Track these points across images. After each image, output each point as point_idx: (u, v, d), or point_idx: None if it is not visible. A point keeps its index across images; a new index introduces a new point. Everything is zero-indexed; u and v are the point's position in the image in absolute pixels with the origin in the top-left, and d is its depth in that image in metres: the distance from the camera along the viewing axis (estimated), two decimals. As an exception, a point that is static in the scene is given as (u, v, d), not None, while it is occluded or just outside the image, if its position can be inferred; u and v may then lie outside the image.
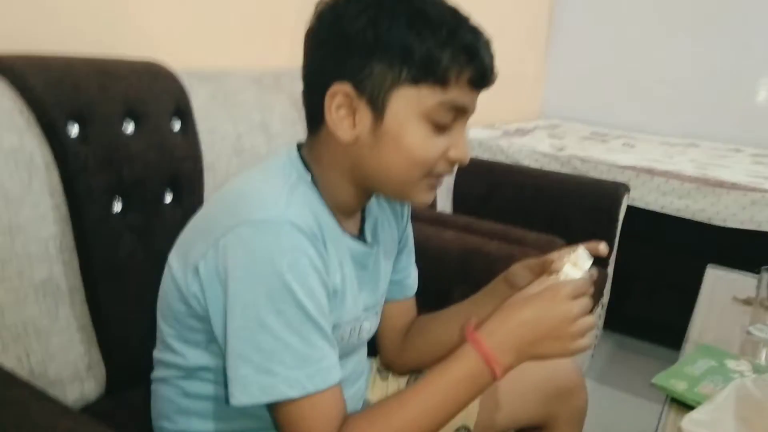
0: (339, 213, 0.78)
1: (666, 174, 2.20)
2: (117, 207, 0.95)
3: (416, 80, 0.68)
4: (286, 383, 0.65)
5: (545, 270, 0.81)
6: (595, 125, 3.31)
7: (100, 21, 1.16)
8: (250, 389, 0.65)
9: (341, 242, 0.78)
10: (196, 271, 0.69)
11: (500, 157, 2.44)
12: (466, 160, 0.74)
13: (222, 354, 0.69)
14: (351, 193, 0.78)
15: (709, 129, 3.12)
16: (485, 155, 2.46)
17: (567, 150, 2.46)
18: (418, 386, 0.72)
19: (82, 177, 0.89)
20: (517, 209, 2.04)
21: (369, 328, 0.87)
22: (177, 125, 1.07)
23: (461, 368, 0.71)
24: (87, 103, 0.92)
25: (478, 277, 1.23)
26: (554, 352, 0.73)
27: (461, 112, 0.72)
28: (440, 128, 0.71)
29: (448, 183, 2.16)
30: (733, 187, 2.09)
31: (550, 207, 1.99)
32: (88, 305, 0.92)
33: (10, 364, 0.83)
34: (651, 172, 2.22)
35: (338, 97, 0.70)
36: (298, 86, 0.77)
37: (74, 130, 0.89)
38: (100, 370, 0.95)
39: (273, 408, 0.68)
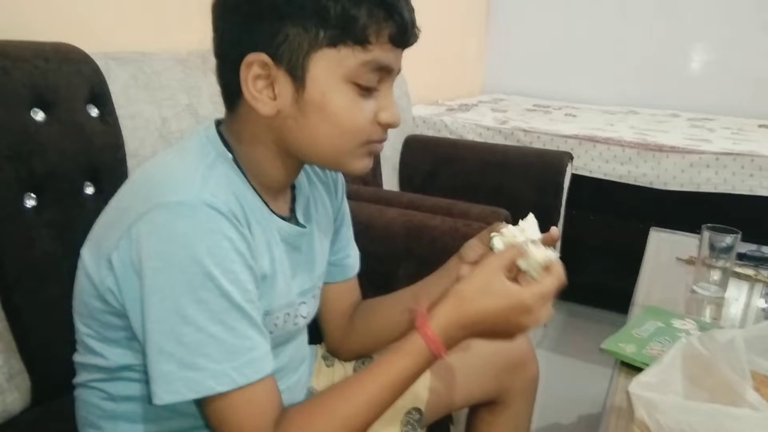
0: (266, 193, 0.74)
1: (607, 141, 2.22)
2: (30, 202, 0.87)
3: (334, 42, 0.64)
4: (213, 378, 0.60)
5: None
6: (537, 98, 3.34)
7: (5, 3, 1.06)
8: (175, 386, 0.61)
9: (269, 223, 0.73)
10: (110, 263, 0.64)
11: (444, 133, 2.42)
12: (397, 122, 0.71)
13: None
14: (278, 169, 0.73)
15: (648, 97, 3.19)
16: (429, 132, 2.44)
17: (510, 123, 2.46)
18: (364, 379, 0.68)
19: (-13, 171, 0.82)
20: (464, 184, 2.03)
21: (306, 313, 0.83)
22: (94, 111, 0.99)
23: (410, 360, 0.67)
24: (-12, 90, 0.84)
25: (423, 254, 1.21)
26: (502, 337, 0.70)
27: (386, 72, 0.68)
28: (366, 91, 0.67)
29: (393, 161, 2.13)
30: (672, 150, 2.13)
31: (496, 179, 1.99)
32: (4, 311, 0.85)
33: None
34: (593, 139, 2.24)
35: (254, 68, 0.65)
36: None
37: (-26, 120, 0.82)
38: (24, 380, 0.88)
39: (202, 404, 0.64)
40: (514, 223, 0.77)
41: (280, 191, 0.77)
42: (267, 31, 0.64)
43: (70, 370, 0.81)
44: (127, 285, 0.63)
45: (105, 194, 0.98)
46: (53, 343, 0.89)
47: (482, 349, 0.93)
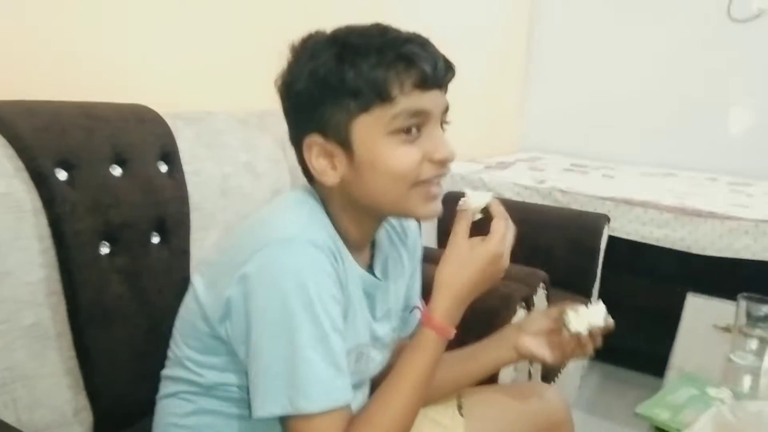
0: (352, 247, 0.82)
1: (645, 204, 2.24)
2: (104, 250, 0.95)
3: (364, 107, 0.73)
4: (304, 398, 0.68)
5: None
6: (574, 157, 3.38)
7: (85, 68, 1.18)
8: (279, 401, 0.68)
9: (352, 270, 0.81)
10: (226, 300, 0.73)
11: (482, 191, 2.47)
12: (448, 156, 0.77)
13: (242, 371, 0.73)
14: (356, 227, 0.82)
15: (686, 158, 3.19)
16: (467, 189, 2.48)
17: (548, 182, 2.50)
18: (396, 383, 0.77)
19: (70, 221, 0.90)
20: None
21: (379, 360, 0.90)
22: (164, 167, 1.08)
23: (429, 353, 0.79)
24: (74, 147, 0.93)
25: (463, 314, 1.25)
26: (491, 285, 0.83)
27: (424, 116, 0.75)
28: (408, 136, 0.74)
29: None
30: (711, 215, 2.14)
31: (533, 239, 2.01)
32: (75, 350, 0.92)
33: (-3, 411, 0.83)
34: (630, 202, 2.26)
35: (313, 148, 0.76)
36: (283, 126, 0.82)
37: (62, 174, 0.91)
38: (87, 416, 0.94)
39: (286, 421, 0.71)
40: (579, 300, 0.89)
41: (360, 247, 0.85)
42: (313, 115, 0.75)
43: (130, 407, 0.87)
44: (238, 317, 0.72)
45: (170, 244, 1.06)
46: (116, 382, 0.96)
47: (519, 410, 0.97)
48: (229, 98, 1.50)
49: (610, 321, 0.88)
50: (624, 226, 2.24)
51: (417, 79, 0.73)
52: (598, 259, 1.99)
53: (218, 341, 0.77)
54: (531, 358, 0.97)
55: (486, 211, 0.83)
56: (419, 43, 0.74)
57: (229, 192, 1.22)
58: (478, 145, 3.06)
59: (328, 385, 0.69)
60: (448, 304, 0.80)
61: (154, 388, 0.90)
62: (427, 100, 0.75)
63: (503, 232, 0.81)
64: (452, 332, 0.80)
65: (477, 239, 0.81)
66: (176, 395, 0.84)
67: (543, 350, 0.94)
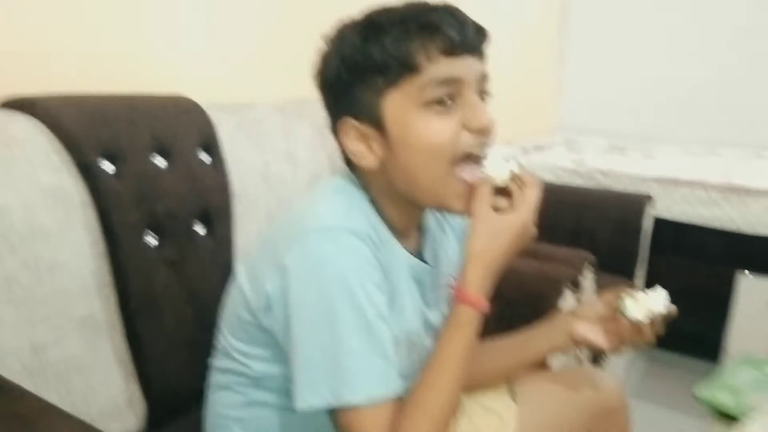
0: (397, 233, 0.80)
1: (690, 183, 2.17)
2: (151, 240, 0.96)
3: (392, 82, 0.71)
4: (347, 388, 0.66)
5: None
6: (612, 137, 3.30)
7: (127, 60, 1.18)
8: (320, 391, 0.67)
9: (399, 256, 0.79)
10: (265, 291, 0.72)
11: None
12: (487, 125, 0.73)
13: (287, 362, 0.71)
14: (401, 211, 0.80)
15: (729, 135, 3.09)
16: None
17: (587, 163, 2.45)
18: (440, 364, 0.74)
19: (118, 212, 0.90)
20: (541, 225, 2.02)
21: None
22: (205, 157, 1.08)
23: (468, 330, 0.75)
24: (118, 139, 0.94)
25: (511, 296, 1.23)
26: (520, 249, 0.78)
27: (455, 84, 0.72)
28: (441, 107, 0.71)
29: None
30: (761, 192, 2.06)
31: (574, 222, 1.98)
32: (126, 340, 0.93)
33: (53, 401, 0.83)
34: (675, 182, 2.19)
35: (349, 132, 0.75)
36: (320, 113, 0.81)
37: (108, 166, 0.91)
38: (141, 405, 0.95)
39: (334, 414, 0.70)
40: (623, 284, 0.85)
41: (407, 233, 0.83)
42: (345, 99, 0.74)
43: (182, 397, 0.87)
44: (278, 308, 0.71)
45: (214, 233, 1.06)
46: (167, 371, 0.97)
47: (573, 397, 0.94)
48: (267, 87, 1.50)
49: (673, 308, 0.84)
50: (669, 207, 2.17)
51: (443, 45, 0.70)
52: (642, 240, 1.94)
53: (263, 332, 0.76)
54: (587, 345, 0.94)
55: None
56: (444, 9, 0.71)
57: (270, 179, 1.21)
58: (514, 127, 3.01)
59: (373, 375, 0.68)
60: (480, 278, 0.75)
61: (203, 377, 0.91)
62: (458, 66, 0.71)
63: (532, 201, 0.76)
64: (487, 305, 0.76)
65: (505, 208, 0.77)
66: (227, 387, 0.84)
67: (599, 337, 0.90)
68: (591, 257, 1.32)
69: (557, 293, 1.17)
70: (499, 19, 2.59)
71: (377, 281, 0.71)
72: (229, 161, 1.13)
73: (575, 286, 1.21)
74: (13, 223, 0.79)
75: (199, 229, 1.05)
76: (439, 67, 0.70)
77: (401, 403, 0.71)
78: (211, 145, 1.10)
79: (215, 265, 1.06)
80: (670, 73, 3.19)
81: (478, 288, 0.75)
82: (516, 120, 3.07)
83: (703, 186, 2.15)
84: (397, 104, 0.71)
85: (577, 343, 0.92)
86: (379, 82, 0.71)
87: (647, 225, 1.97)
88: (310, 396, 0.68)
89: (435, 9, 0.71)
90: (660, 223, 2.11)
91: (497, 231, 0.75)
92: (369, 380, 0.67)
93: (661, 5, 3.19)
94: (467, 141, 0.73)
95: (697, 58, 3.13)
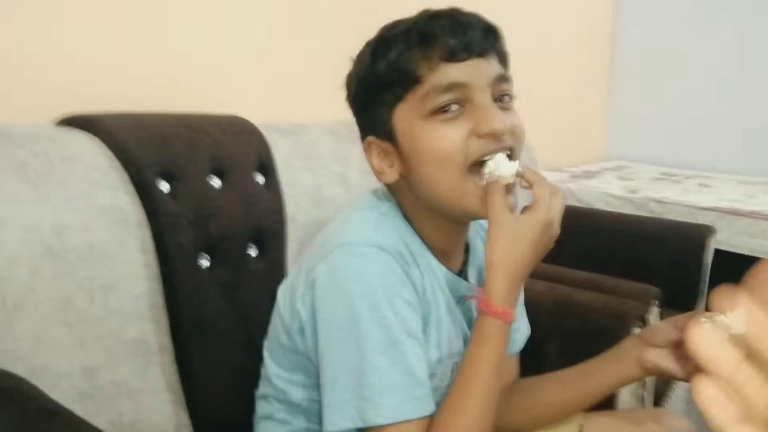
0: (437, 250, 0.77)
1: (752, 214, 2.08)
2: (204, 263, 0.94)
3: (399, 96, 0.70)
4: (374, 409, 0.63)
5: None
6: (662, 165, 3.20)
7: (185, 80, 1.18)
8: (349, 413, 0.65)
9: (436, 272, 0.76)
10: (297, 311, 0.72)
11: (572, 201, 2.37)
12: (498, 126, 0.68)
13: None
14: (437, 227, 0.76)
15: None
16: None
17: (640, 192, 2.37)
18: (468, 383, 0.69)
19: (173, 233, 0.89)
20: (594, 256, 1.94)
21: None
22: (260, 179, 1.06)
23: (495, 342, 0.70)
24: (176, 159, 0.92)
25: (573, 330, 1.17)
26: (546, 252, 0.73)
27: (460, 89, 0.68)
28: (447, 114, 0.68)
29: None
30: (828, 226, 1.96)
31: (630, 252, 1.90)
32: (177, 364, 0.90)
33: (103, 427, 0.81)
34: (736, 213, 2.10)
35: (372, 150, 0.75)
36: None
37: (164, 186, 0.90)
38: (188, 432, 0.92)
39: None
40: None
41: (448, 250, 0.79)
42: (364, 117, 0.76)
43: (229, 425, 0.84)
44: (309, 327, 0.70)
45: (266, 256, 1.03)
46: (216, 399, 0.94)
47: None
48: (319, 109, 1.48)
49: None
50: (729, 239, 2.08)
51: (443, 51, 0.67)
52: (704, 273, 1.84)
53: (300, 356, 0.75)
54: (658, 374, 0.85)
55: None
56: (447, 15, 0.69)
57: (322, 203, 1.19)
58: (562, 154, 2.95)
59: (400, 395, 0.64)
60: (504, 287, 0.70)
61: (251, 407, 0.88)
62: (461, 71, 0.68)
63: (547, 198, 0.70)
64: (513, 315, 0.71)
65: (522, 211, 0.72)
66: (270, 416, 0.82)
67: (672, 364, 0.79)
68: (658, 291, 1.25)
69: (625, 330, 1.10)
70: (548, 50, 2.56)
71: (407, 297, 0.68)
72: (284, 183, 1.11)
73: (642, 322, 1.14)
74: (71, 243, 0.78)
75: (252, 252, 1.02)
76: (440, 74, 0.68)
77: (431, 422, 0.67)
78: (267, 166, 1.08)
79: (266, 289, 1.02)
80: (725, 100, 3.09)
81: (503, 298, 0.69)
82: (564, 146, 3.01)
83: (765, 217, 2.06)
84: (405, 117, 0.70)
85: (648, 371, 0.83)
86: (388, 97, 0.71)
87: (708, 257, 1.88)
88: (338, 417, 0.65)
89: (437, 15, 0.70)
90: (719, 255, 2.01)
91: (517, 236, 0.69)
92: (395, 399, 0.64)
93: (711, 30, 3.10)
94: (476, 146, 0.68)
95: (751, 85, 3.02)
